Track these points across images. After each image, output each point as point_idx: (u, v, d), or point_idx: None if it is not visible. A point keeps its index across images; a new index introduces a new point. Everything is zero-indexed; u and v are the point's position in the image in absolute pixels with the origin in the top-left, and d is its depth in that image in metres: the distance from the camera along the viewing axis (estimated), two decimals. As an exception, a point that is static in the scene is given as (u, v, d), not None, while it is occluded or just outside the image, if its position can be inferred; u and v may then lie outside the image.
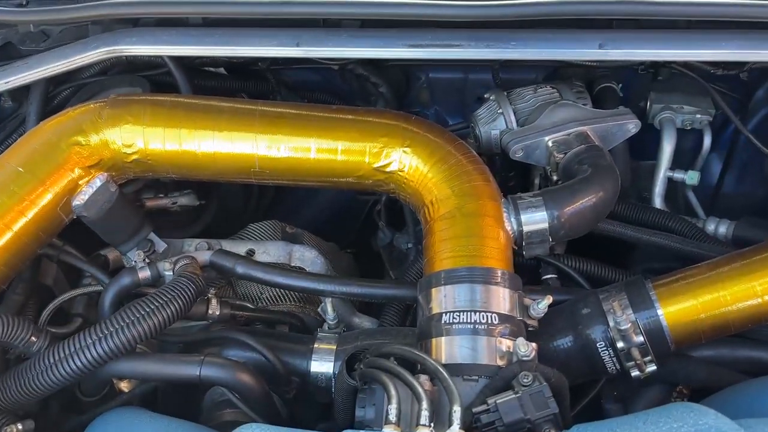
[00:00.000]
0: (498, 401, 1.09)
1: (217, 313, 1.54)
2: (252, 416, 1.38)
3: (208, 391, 1.44)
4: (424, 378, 1.15)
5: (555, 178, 1.58)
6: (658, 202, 1.86)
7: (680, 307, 1.32)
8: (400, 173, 1.45)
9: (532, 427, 1.09)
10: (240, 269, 1.52)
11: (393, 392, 1.09)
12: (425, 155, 1.44)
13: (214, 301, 1.54)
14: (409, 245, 1.96)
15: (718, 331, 1.34)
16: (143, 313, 1.30)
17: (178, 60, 1.73)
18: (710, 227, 1.82)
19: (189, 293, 1.37)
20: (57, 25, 1.70)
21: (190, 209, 1.79)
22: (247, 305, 1.63)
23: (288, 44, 1.49)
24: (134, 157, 1.48)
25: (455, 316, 1.25)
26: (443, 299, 1.28)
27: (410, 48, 1.48)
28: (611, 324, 1.31)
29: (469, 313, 1.24)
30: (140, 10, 1.52)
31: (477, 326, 1.23)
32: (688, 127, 1.89)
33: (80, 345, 1.27)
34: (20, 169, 1.41)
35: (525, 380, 1.11)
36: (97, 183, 1.46)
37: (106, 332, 1.28)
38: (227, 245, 1.65)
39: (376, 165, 1.46)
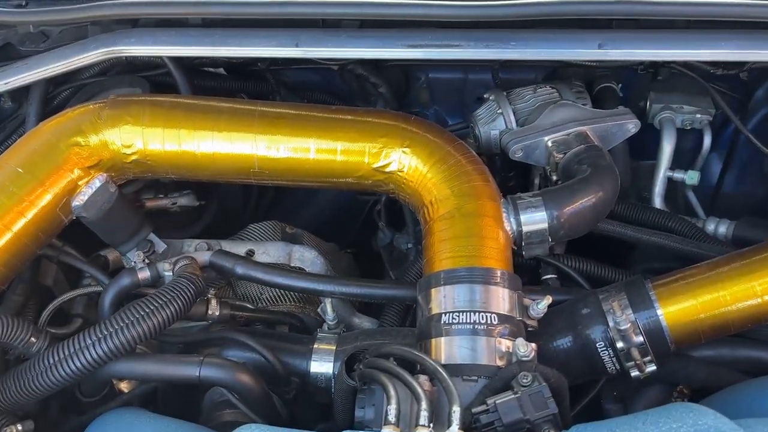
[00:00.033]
0: (497, 401, 1.09)
1: (217, 313, 1.54)
2: (252, 417, 1.38)
3: (208, 392, 1.44)
4: (423, 378, 1.15)
5: (554, 178, 1.58)
6: (658, 202, 1.86)
7: (680, 307, 1.32)
8: (399, 173, 1.45)
9: (531, 428, 1.09)
10: (239, 270, 1.52)
11: (392, 392, 1.09)
12: (425, 155, 1.44)
13: (213, 302, 1.55)
14: (409, 245, 1.96)
15: (717, 331, 1.34)
16: (143, 313, 1.30)
17: (178, 60, 1.73)
18: (710, 227, 1.82)
19: (188, 294, 1.37)
20: (56, 26, 1.70)
21: (190, 210, 1.79)
22: (247, 306, 1.63)
23: (287, 44, 1.50)
24: (133, 157, 1.48)
25: (455, 316, 1.25)
26: (443, 299, 1.28)
27: (409, 48, 1.48)
28: (611, 324, 1.31)
29: (468, 314, 1.24)
30: (140, 11, 1.52)
31: (476, 326, 1.23)
32: (688, 127, 1.89)
33: (80, 345, 1.27)
34: (20, 169, 1.41)
35: (524, 380, 1.11)
36: (97, 183, 1.46)
37: (106, 333, 1.28)
38: (227, 246, 1.65)
39: (375, 165, 1.46)
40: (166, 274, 1.48)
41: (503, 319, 1.24)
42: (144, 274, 1.48)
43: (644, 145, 1.90)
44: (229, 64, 1.97)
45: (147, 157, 1.48)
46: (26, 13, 1.56)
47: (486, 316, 1.24)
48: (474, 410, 1.10)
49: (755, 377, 1.37)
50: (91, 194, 1.45)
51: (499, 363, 1.20)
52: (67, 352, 1.26)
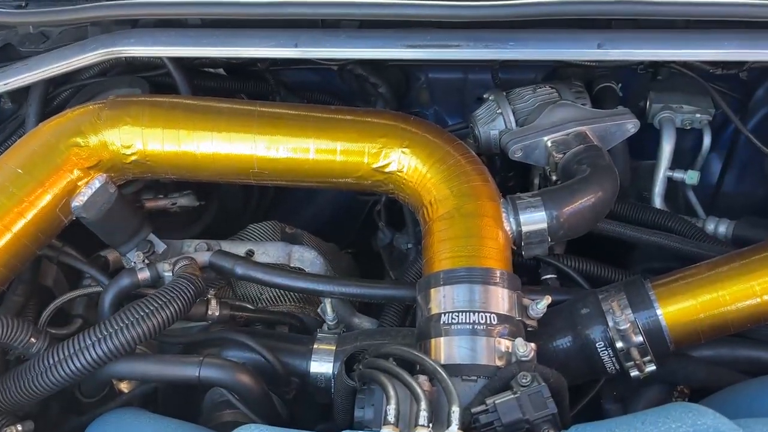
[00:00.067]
0: (497, 401, 1.09)
1: (217, 313, 1.54)
2: (251, 417, 1.38)
3: (208, 392, 1.44)
4: (422, 378, 1.15)
5: (554, 178, 1.58)
6: (657, 201, 1.86)
7: (679, 307, 1.32)
8: (398, 174, 1.45)
9: (530, 428, 1.09)
10: (239, 270, 1.53)
11: (391, 393, 1.09)
12: (424, 156, 1.44)
13: (213, 302, 1.55)
14: (409, 245, 1.96)
15: (717, 331, 1.34)
16: (143, 314, 1.30)
17: (177, 61, 1.74)
18: (710, 227, 1.82)
19: (188, 294, 1.37)
20: (56, 27, 1.71)
21: (190, 210, 1.79)
22: (247, 306, 1.63)
23: (286, 45, 1.50)
24: (133, 158, 1.48)
25: (454, 316, 1.25)
26: (442, 300, 1.28)
27: (409, 48, 1.48)
28: (610, 324, 1.31)
29: (467, 314, 1.24)
30: (139, 11, 1.52)
31: (476, 326, 1.23)
32: (688, 127, 1.89)
33: (80, 346, 1.27)
34: (19, 170, 1.42)
35: (524, 380, 1.11)
36: (96, 184, 1.46)
37: (106, 333, 1.28)
38: (227, 246, 1.66)
39: (374, 165, 1.46)
40: (166, 274, 1.48)
41: (503, 319, 1.24)
42: (144, 275, 1.48)
43: (644, 144, 1.90)
44: (229, 64, 1.97)
45: (146, 158, 1.48)
46: (26, 14, 1.57)
47: (485, 316, 1.24)
48: (473, 410, 1.10)
49: (755, 377, 1.37)
50: (91, 195, 1.45)
51: (499, 363, 1.20)
52: (67, 353, 1.26)
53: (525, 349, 1.18)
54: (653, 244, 1.61)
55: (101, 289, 1.52)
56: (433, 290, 1.30)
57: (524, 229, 1.39)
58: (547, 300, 1.29)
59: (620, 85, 1.84)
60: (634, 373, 1.32)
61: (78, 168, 1.45)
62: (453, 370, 1.18)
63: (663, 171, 1.86)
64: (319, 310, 1.59)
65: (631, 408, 1.45)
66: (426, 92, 2.05)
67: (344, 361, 1.24)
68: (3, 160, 1.45)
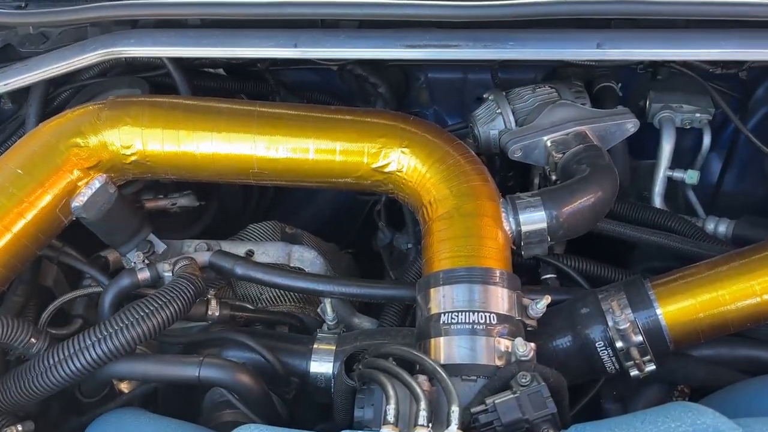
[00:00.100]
0: (496, 401, 1.09)
1: (217, 313, 1.54)
2: (251, 417, 1.38)
3: (208, 392, 1.45)
4: (422, 378, 1.15)
5: (554, 177, 1.58)
6: (657, 201, 1.86)
7: (679, 307, 1.32)
8: (398, 173, 1.45)
9: (530, 427, 1.09)
10: (239, 270, 1.53)
11: (391, 392, 1.09)
12: (423, 155, 1.44)
13: (213, 302, 1.55)
14: (409, 245, 1.96)
15: (716, 331, 1.34)
16: (143, 314, 1.30)
17: (177, 61, 1.74)
18: (710, 226, 1.82)
19: (188, 294, 1.37)
20: (56, 27, 1.71)
21: (190, 210, 1.80)
22: (247, 306, 1.63)
23: (286, 45, 1.50)
24: (133, 158, 1.48)
25: (454, 316, 1.25)
26: (442, 299, 1.28)
27: (408, 48, 1.48)
28: (610, 324, 1.31)
29: (467, 314, 1.24)
30: (139, 12, 1.52)
31: (475, 326, 1.23)
32: (688, 126, 1.89)
33: (80, 346, 1.27)
34: (19, 171, 1.42)
35: (523, 380, 1.11)
36: (96, 184, 1.46)
37: (106, 333, 1.28)
38: (227, 246, 1.66)
39: (374, 165, 1.46)
40: (166, 274, 1.48)
41: (502, 318, 1.24)
42: (144, 275, 1.48)
43: (644, 144, 1.90)
44: (229, 64, 1.97)
45: (146, 158, 1.48)
46: (26, 15, 1.57)
47: (485, 315, 1.24)
48: (473, 410, 1.10)
49: (754, 376, 1.37)
50: (91, 195, 1.45)
51: (498, 363, 1.20)
52: (67, 353, 1.26)
53: (524, 348, 1.18)
54: (653, 243, 1.61)
55: (101, 289, 1.52)
56: (432, 290, 1.30)
57: (524, 228, 1.39)
58: (546, 300, 1.29)
59: (620, 84, 1.84)
60: (633, 372, 1.32)
61: (78, 168, 1.45)
62: (453, 369, 1.18)
63: (663, 170, 1.86)
64: (319, 310, 1.59)
65: (631, 407, 1.45)
66: (426, 92, 2.05)
67: (344, 361, 1.24)
68: (3, 160, 1.45)
